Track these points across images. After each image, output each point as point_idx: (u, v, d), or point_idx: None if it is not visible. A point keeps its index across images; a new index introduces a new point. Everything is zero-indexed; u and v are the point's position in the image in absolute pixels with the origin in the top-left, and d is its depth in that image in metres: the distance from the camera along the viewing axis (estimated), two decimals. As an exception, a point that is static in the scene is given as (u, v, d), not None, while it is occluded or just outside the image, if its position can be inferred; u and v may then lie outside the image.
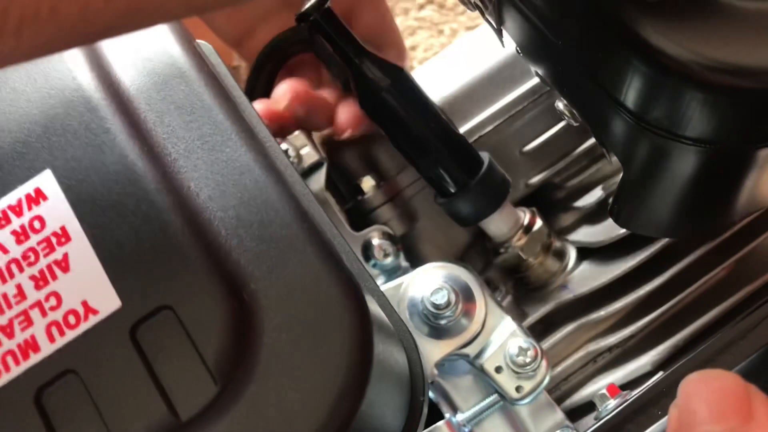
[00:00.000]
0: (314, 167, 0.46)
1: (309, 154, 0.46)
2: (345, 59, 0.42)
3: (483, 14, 0.37)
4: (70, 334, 0.24)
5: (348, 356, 0.24)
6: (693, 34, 0.27)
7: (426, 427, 0.37)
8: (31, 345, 0.24)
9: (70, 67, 0.27)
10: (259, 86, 0.49)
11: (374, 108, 0.43)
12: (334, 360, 0.24)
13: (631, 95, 0.29)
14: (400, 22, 0.97)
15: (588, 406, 0.43)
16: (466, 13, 0.91)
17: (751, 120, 0.29)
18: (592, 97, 0.32)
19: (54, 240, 0.25)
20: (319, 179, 0.46)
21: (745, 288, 0.44)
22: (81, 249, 0.25)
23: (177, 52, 0.28)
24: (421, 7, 0.99)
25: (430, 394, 0.42)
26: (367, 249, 0.46)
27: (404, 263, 0.46)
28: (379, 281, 0.44)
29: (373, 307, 0.30)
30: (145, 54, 0.28)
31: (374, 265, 0.46)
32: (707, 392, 0.22)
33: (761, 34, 0.27)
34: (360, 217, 0.48)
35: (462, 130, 0.48)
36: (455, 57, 0.52)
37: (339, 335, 0.24)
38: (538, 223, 0.45)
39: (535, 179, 0.48)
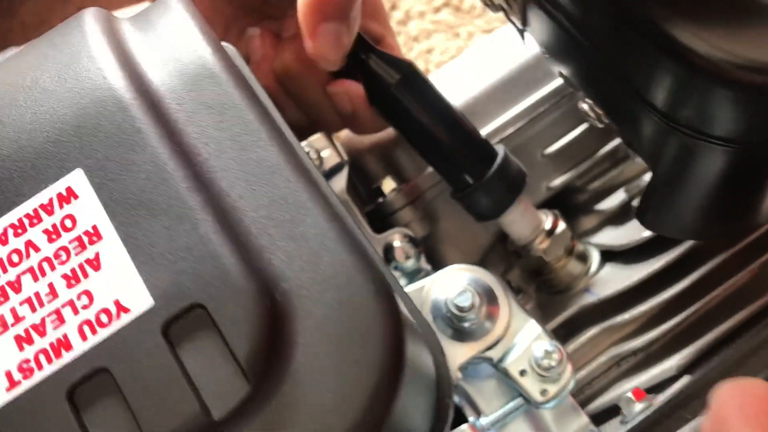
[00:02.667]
0: (335, 169, 0.46)
1: (330, 156, 0.46)
2: (353, 57, 0.42)
3: (507, 15, 0.37)
4: (103, 333, 0.24)
5: (381, 357, 0.24)
6: (724, 33, 0.27)
7: (450, 430, 0.37)
8: (64, 343, 0.24)
9: (101, 67, 0.27)
10: None
11: (385, 104, 0.43)
12: (367, 360, 0.24)
13: (660, 95, 0.29)
14: (415, 25, 0.97)
15: (612, 410, 0.43)
16: (482, 16, 0.91)
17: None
18: (620, 97, 0.32)
19: (86, 239, 0.25)
20: (340, 181, 0.46)
21: (769, 292, 0.43)
22: (112, 247, 0.25)
23: (206, 53, 0.28)
24: (437, 9, 0.99)
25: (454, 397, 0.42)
26: (388, 251, 0.45)
27: (426, 266, 0.46)
28: (401, 283, 0.44)
29: (403, 308, 0.30)
30: (174, 54, 0.28)
31: (395, 268, 0.45)
32: (740, 400, 0.22)
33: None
34: (381, 219, 0.48)
35: (484, 132, 0.48)
36: (476, 59, 0.51)
37: (372, 335, 0.24)
38: (561, 225, 0.45)
39: (557, 182, 0.48)
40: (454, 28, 0.97)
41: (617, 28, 0.29)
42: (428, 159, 0.44)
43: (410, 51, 0.95)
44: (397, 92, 0.42)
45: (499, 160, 0.42)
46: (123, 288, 0.25)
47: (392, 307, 0.25)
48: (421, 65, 0.98)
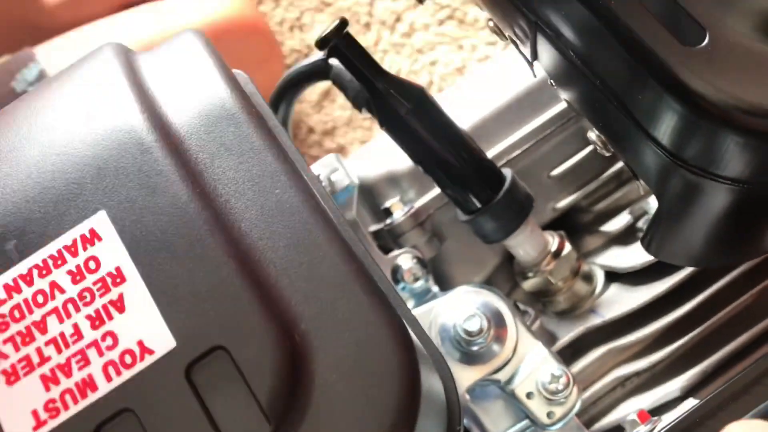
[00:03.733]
0: (344, 191, 0.47)
1: (340, 178, 0.47)
2: (366, 83, 0.43)
3: (517, 47, 0.38)
4: (127, 374, 0.25)
5: (397, 397, 0.25)
6: (731, 79, 0.27)
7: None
8: (89, 384, 0.25)
9: (123, 109, 0.28)
10: (279, 116, 0.50)
11: (396, 130, 0.44)
12: (384, 399, 0.25)
13: (667, 134, 0.30)
14: (420, 37, 0.98)
15: (616, 430, 0.43)
16: (485, 29, 0.91)
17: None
18: (628, 132, 0.32)
19: (109, 280, 0.26)
20: (350, 203, 0.46)
21: (772, 314, 0.44)
22: (136, 289, 0.26)
23: (225, 94, 0.28)
24: (441, 22, 0.99)
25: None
26: (396, 272, 0.46)
27: (434, 287, 0.46)
28: (409, 304, 0.45)
29: (416, 341, 0.31)
30: (195, 96, 0.29)
31: (403, 288, 0.46)
32: None
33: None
34: (389, 239, 0.49)
35: (491, 153, 0.48)
36: (483, 81, 0.52)
37: (388, 375, 0.25)
38: (567, 247, 0.46)
39: (563, 203, 0.49)
40: (458, 41, 0.97)
41: (627, 69, 0.29)
42: (437, 182, 0.44)
43: (414, 63, 0.96)
44: (408, 119, 0.42)
45: (507, 185, 0.43)
46: (146, 329, 0.25)
47: (407, 347, 0.25)
48: (425, 77, 0.98)
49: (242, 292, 0.25)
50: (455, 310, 0.41)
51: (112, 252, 0.26)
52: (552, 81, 0.37)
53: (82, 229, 0.27)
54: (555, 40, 0.33)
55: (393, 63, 0.96)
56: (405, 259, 0.46)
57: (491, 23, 0.41)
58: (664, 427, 0.35)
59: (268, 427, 0.24)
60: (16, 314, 0.26)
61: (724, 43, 0.27)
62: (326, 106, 0.98)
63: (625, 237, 0.48)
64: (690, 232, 0.35)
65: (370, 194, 0.50)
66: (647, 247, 0.38)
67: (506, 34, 0.38)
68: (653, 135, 0.31)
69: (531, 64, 0.38)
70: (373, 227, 0.50)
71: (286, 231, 0.26)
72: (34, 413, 0.25)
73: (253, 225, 0.27)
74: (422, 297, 0.46)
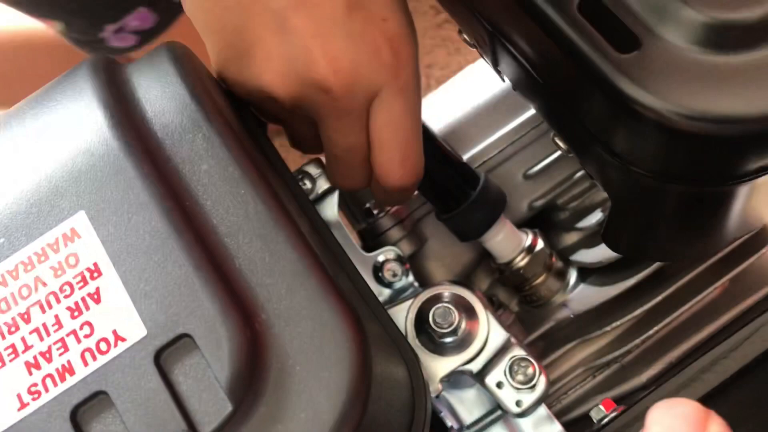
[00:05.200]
0: (327, 193, 0.49)
1: (322, 181, 0.49)
2: None
3: (481, 55, 0.40)
4: (102, 359, 0.27)
5: (348, 378, 0.27)
6: (666, 85, 0.29)
7: (431, 438, 0.40)
8: (68, 369, 0.27)
9: (98, 120, 0.31)
10: None
11: None
12: (336, 382, 0.27)
13: (611, 138, 0.32)
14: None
15: (586, 419, 0.45)
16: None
17: (724, 161, 0.31)
18: (580, 136, 0.34)
19: (87, 274, 0.28)
20: (332, 204, 0.49)
21: (737, 306, 0.46)
22: (111, 283, 0.28)
23: (194, 105, 0.31)
24: (439, 26, 1.01)
25: (436, 406, 0.45)
26: (377, 270, 0.48)
27: (413, 283, 0.49)
28: (389, 300, 0.47)
29: (374, 328, 0.33)
30: (167, 106, 0.31)
31: (384, 285, 0.48)
32: (668, 418, 0.25)
33: (730, 85, 0.29)
34: (372, 237, 0.51)
35: (468, 155, 0.51)
36: (461, 85, 0.54)
37: (339, 359, 0.27)
38: (540, 243, 0.48)
39: (539, 201, 0.51)
40: (455, 44, 0.99)
41: (570, 75, 0.32)
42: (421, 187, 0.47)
43: (412, 65, 0.98)
44: None
45: (480, 185, 0.45)
46: (120, 319, 0.28)
47: (358, 334, 0.28)
48: (423, 80, 1.00)
49: (207, 285, 0.28)
50: (429, 304, 0.44)
51: (90, 249, 0.29)
52: (513, 86, 0.39)
53: (63, 228, 0.29)
54: (509, 48, 0.35)
55: (391, 67, 0.98)
56: (385, 257, 0.48)
57: (461, 34, 0.43)
58: (618, 414, 0.37)
59: (230, 407, 0.26)
60: (3, 306, 0.29)
61: (658, 50, 0.29)
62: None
63: (598, 234, 0.50)
64: (643, 228, 0.37)
65: (353, 195, 0.52)
66: (606, 242, 0.40)
67: (470, 41, 0.40)
68: (599, 138, 0.33)
69: (497, 70, 0.41)
70: (357, 227, 0.52)
71: (249, 228, 0.29)
72: (18, 396, 0.27)
73: (219, 223, 0.29)
74: (402, 292, 0.48)
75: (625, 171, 0.33)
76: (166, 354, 0.27)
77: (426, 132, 0.46)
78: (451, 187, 0.46)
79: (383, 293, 0.47)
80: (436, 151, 0.45)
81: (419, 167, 0.41)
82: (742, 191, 0.33)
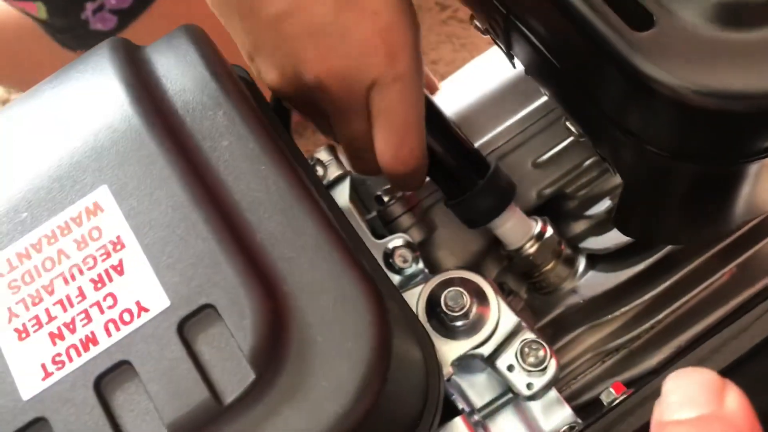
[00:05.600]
0: (338, 180, 0.49)
1: (334, 167, 0.49)
2: None
3: (495, 40, 0.40)
4: (125, 330, 0.28)
5: (369, 351, 0.27)
6: (681, 62, 0.30)
7: (443, 421, 0.40)
8: (91, 339, 0.28)
9: (124, 94, 0.31)
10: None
11: None
12: (358, 353, 0.27)
13: (627, 117, 0.32)
14: (422, 36, 1.00)
15: (596, 402, 0.46)
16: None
17: (738, 138, 0.31)
18: (593, 117, 0.35)
19: (110, 247, 0.29)
20: (343, 191, 0.49)
21: (745, 291, 0.46)
22: (134, 255, 0.28)
23: (214, 83, 0.31)
24: (444, 22, 1.02)
25: (447, 390, 0.45)
26: (388, 256, 0.49)
27: (423, 269, 0.49)
28: (399, 286, 0.48)
29: (392, 306, 0.33)
30: (188, 85, 0.31)
31: (395, 271, 0.49)
32: (683, 385, 0.25)
33: (745, 62, 0.29)
34: (383, 225, 0.51)
35: (479, 142, 0.51)
36: (472, 73, 0.55)
37: (361, 332, 0.27)
38: (549, 231, 0.48)
39: (548, 189, 0.51)
40: (460, 40, 1.00)
41: (586, 55, 0.32)
42: (428, 171, 0.47)
43: (416, 61, 0.98)
44: None
45: (489, 172, 0.46)
46: (143, 290, 0.28)
47: (380, 307, 0.28)
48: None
49: (230, 257, 0.28)
50: (440, 289, 0.44)
51: (113, 222, 0.29)
52: (526, 71, 0.40)
53: (86, 202, 0.30)
54: (524, 30, 0.35)
55: (396, 63, 0.99)
56: (395, 244, 0.48)
57: (474, 21, 0.43)
58: (631, 394, 0.37)
59: (253, 376, 0.27)
60: (27, 279, 0.29)
61: (672, 28, 0.30)
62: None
63: (606, 221, 0.50)
64: (655, 210, 0.38)
65: (364, 183, 0.53)
66: (618, 227, 0.41)
67: (483, 27, 0.40)
68: (614, 118, 0.33)
69: (509, 56, 0.41)
70: (368, 215, 0.53)
71: (271, 201, 0.29)
72: (43, 366, 0.28)
73: (241, 197, 0.29)
74: (413, 279, 0.49)
75: (638, 151, 0.33)
76: (189, 324, 0.27)
77: (439, 117, 0.46)
78: (461, 173, 0.46)
79: (394, 280, 0.48)
80: (449, 137, 0.46)
81: (418, 153, 0.42)
82: (753, 171, 0.34)
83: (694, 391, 0.25)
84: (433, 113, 0.46)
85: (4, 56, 0.95)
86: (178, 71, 0.32)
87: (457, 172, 0.46)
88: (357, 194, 0.53)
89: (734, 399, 0.25)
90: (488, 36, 0.42)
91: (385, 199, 0.51)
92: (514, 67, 0.43)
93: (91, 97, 0.32)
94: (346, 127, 0.42)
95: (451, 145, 0.46)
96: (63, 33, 0.87)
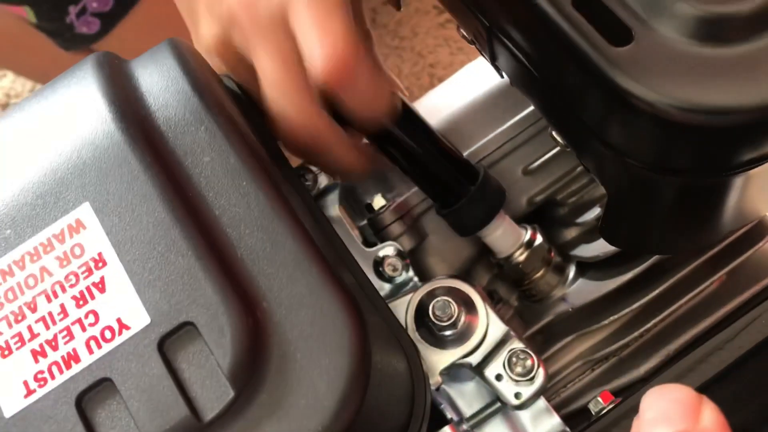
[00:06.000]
0: (328, 189, 0.49)
1: (323, 177, 0.49)
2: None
3: (479, 50, 0.41)
4: (107, 347, 0.28)
5: (348, 365, 0.27)
6: (660, 77, 0.30)
7: (431, 430, 0.40)
8: (73, 356, 0.28)
9: (102, 113, 0.31)
10: None
11: (375, 137, 0.46)
12: (336, 369, 0.27)
13: (609, 131, 0.32)
14: (420, 40, 1.00)
15: (585, 411, 0.46)
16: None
17: (719, 153, 0.31)
18: (576, 129, 0.35)
19: (92, 264, 0.29)
20: (333, 200, 0.49)
21: (735, 299, 0.46)
22: (115, 272, 0.29)
23: (195, 99, 0.31)
24: (442, 25, 1.02)
25: (436, 399, 0.45)
26: (378, 265, 0.49)
27: (413, 277, 0.49)
28: (389, 295, 0.48)
29: (374, 319, 0.33)
30: (169, 100, 0.32)
31: (385, 280, 0.49)
32: (661, 402, 0.25)
33: (724, 77, 0.29)
34: (373, 233, 0.51)
35: (467, 151, 0.51)
36: (460, 82, 0.55)
37: (340, 347, 0.28)
38: (539, 239, 0.48)
39: (538, 197, 0.51)
40: (458, 43, 1.00)
41: (566, 69, 0.32)
42: (416, 182, 0.47)
43: (415, 65, 0.99)
44: (388, 127, 0.45)
45: (480, 179, 0.46)
46: (124, 308, 0.28)
47: (359, 323, 0.28)
48: (425, 79, 1.01)
49: (210, 274, 0.28)
50: (429, 298, 0.44)
51: (95, 239, 0.29)
52: (511, 82, 0.40)
53: (68, 219, 0.30)
54: (506, 43, 0.35)
55: (394, 65, 0.99)
56: (385, 252, 0.49)
57: (460, 30, 0.44)
58: (617, 404, 0.38)
59: (232, 393, 0.27)
60: (10, 296, 0.29)
61: (651, 43, 0.30)
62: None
63: (596, 229, 0.51)
64: (639, 220, 0.38)
65: (354, 191, 0.53)
66: (603, 235, 0.41)
67: (469, 38, 0.41)
68: (595, 131, 0.33)
69: (494, 66, 0.41)
70: (359, 223, 0.53)
71: (251, 218, 0.29)
72: (25, 383, 0.28)
73: (221, 214, 0.30)
74: (403, 287, 0.49)
75: (621, 164, 0.33)
76: (170, 342, 0.28)
77: (425, 128, 0.46)
78: (451, 182, 0.46)
79: (384, 288, 0.48)
80: (435, 146, 0.46)
81: (345, 44, 0.38)
82: (738, 183, 0.34)
83: (670, 407, 0.25)
84: (418, 124, 0.46)
85: (5, 40, 0.96)
86: (161, 86, 0.33)
87: (446, 181, 0.46)
88: (347, 202, 0.53)
89: (710, 416, 0.25)
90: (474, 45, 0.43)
91: (376, 207, 0.51)
92: (501, 77, 0.43)
93: (75, 112, 0.32)
94: (272, 58, 0.39)
95: (439, 155, 0.46)
96: (53, 36, 0.88)
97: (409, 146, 0.46)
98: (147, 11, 0.87)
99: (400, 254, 0.49)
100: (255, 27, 0.39)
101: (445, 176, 0.46)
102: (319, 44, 0.38)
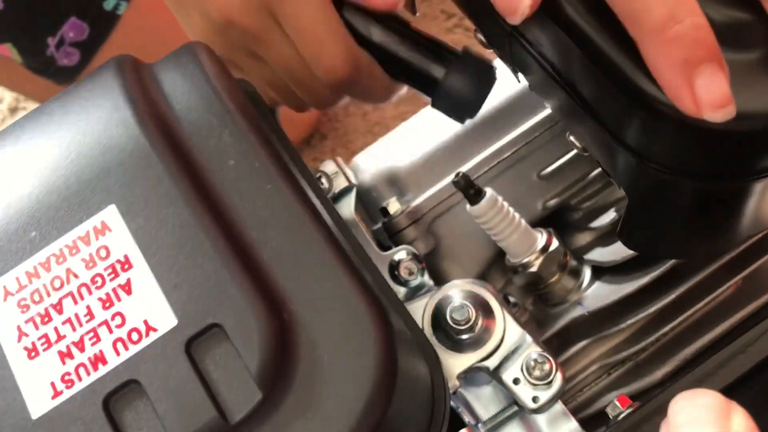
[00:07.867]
0: (344, 192, 0.49)
1: (339, 180, 0.49)
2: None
3: (499, 56, 0.41)
4: (133, 349, 0.28)
5: (375, 368, 0.28)
6: None
7: (449, 434, 0.40)
8: (100, 358, 0.28)
9: (130, 114, 0.31)
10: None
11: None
12: (363, 372, 0.28)
13: (631, 135, 0.32)
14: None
15: (602, 415, 0.46)
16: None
17: (741, 157, 0.32)
18: (598, 134, 0.35)
19: (118, 266, 0.29)
20: (349, 203, 0.49)
21: (751, 304, 0.46)
22: (142, 274, 0.29)
23: (218, 101, 0.32)
24: (449, 30, 1.02)
25: (453, 403, 0.45)
26: (393, 268, 0.49)
27: (429, 281, 0.49)
28: (405, 298, 0.48)
29: (398, 323, 0.33)
30: (193, 103, 0.32)
31: (400, 283, 0.49)
32: (691, 408, 0.25)
33: (746, 81, 0.30)
34: (388, 237, 0.52)
35: (482, 155, 0.51)
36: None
37: (367, 350, 0.28)
38: (555, 243, 0.48)
39: (553, 201, 0.51)
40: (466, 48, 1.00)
41: (590, 76, 0.32)
42: (399, 73, 0.48)
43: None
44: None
45: (461, 52, 0.46)
46: (151, 310, 0.28)
47: (385, 324, 0.28)
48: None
49: (236, 276, 0.28)
50: (446, 301, 0.44)
51: (121, 241, 0.29)
52: (530, 87, 0.40)
53: (94, 221, 0.30)
54: (528, 48, 0.35)
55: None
56: (401, 256, 0.49)
57: (477, 34, 0.44)
58: (636, 408, 0.38)
59: (259, 395, 0.27)
60: (36, 297, 0.29)
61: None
62: (338, 113, 1.01)
63: (612, 233, 0.51)
64: (660, 225, 0.38)
65: (369, 195, 0.53)
66: (621, 239, 0.41)
67: (488, 43, 0.41)
68: (619, 136, 0.33)
69: (513, 71, 0.41)
70: (374, 227, 0.53)
71: (277, 221, 0.29)
72: (52, 384, 0.28)
73: (248, 216, 0.30)
74: (418, 290, 0.49)
75: (642, 167, 0.33)
76: (197, 343, 0.28)
77: (393, 20, 0.47)
78: (427, 62, 0.46)
79: (399, 292, 0.48)
80: (403, 34, 0.46)
81: (337, 48, 0.43)
82: (759, 188, 0.34)
83: (701, 413, 0.25)
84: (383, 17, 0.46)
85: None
86: (184, 89, 0.33)
87: (422, 62, 0.46)
88: (362, 206, 0.53)
89: (740, 421, 0.25)
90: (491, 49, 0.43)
91: (391, 211, 0.51)
92: (518, 81, 0.43)
93: (99, 115, 0.32)
94: (273, 57, 0.43)
95: (408, 40, 0.47)
96: (40, 74, 0.88)
97: (390, 48, 0.46)
98: (123, 37, 0.86)
99: (416, 257, 0.49)
100: (255, 32, 0.42)
101: (419, 57, 0.46)
102: (316, 56, 0.44)
